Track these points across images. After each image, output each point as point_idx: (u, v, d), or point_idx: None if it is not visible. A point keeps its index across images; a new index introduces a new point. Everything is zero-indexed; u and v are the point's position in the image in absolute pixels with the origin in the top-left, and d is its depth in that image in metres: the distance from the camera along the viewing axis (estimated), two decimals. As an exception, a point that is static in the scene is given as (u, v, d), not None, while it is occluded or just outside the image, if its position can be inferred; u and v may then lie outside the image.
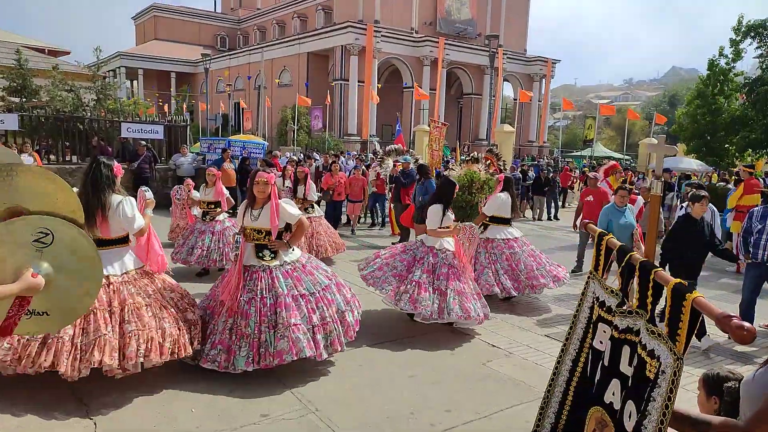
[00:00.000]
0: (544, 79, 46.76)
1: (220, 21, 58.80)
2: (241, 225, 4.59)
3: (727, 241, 9.99)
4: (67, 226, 2.34)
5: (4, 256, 2.18)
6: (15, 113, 14.31)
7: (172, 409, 3.79)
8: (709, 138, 21.17)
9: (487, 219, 6.94)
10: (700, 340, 5.59)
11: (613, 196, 7.50)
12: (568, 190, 19.64)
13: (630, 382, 1.92)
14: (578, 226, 8.89)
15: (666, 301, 1.77)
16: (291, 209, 4.52)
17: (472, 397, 4.21)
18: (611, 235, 2.39)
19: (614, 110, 38.61)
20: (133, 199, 4.12)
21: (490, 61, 22.20)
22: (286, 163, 12.19)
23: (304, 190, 8.64)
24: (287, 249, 4.51)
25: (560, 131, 43.88)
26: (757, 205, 6.78)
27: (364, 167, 13.16)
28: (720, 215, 9.96)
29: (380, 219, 13.19)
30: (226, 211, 7.80)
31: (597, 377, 2.17)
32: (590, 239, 7.84)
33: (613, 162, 14.70)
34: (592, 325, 2.31)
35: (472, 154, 9.49)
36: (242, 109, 35.93)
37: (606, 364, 2.10)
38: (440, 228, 5.62)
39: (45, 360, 3.56)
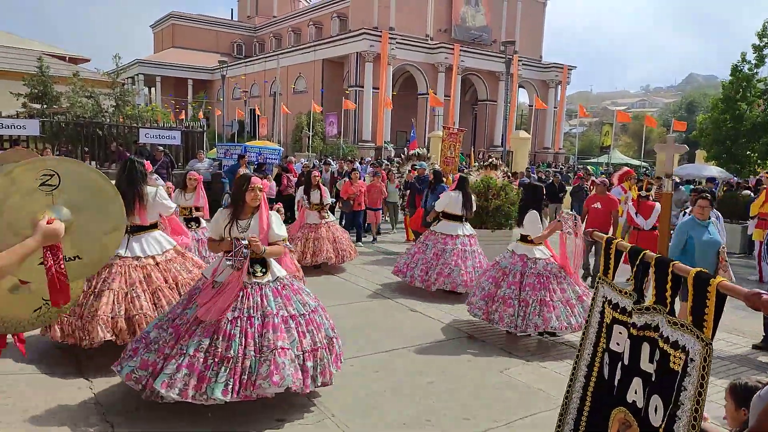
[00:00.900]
0: (559, 86, 46.51)
1: (237, 29, 59.50)
2: (228, 237, 3.87)
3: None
4: (70, 162, 2.21)
5: (18, 206, 2.06)
6: (36, 119, 14.65)
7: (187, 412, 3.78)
8: (730, 144, 20.86)
9: (440, 215, 7.50)
10: None
11: (691, 208, 6.45)
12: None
13: (653, 377, 1.94)
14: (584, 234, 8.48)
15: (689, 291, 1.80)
16: (279, 229, 4.04)
17: (489, 405, 4.16)
18: (620, 239, 2.44)
19: (629, 117, 38.29)
20: (162, 188, 5.06)
21: (506, 67, 22.07)
22: (312, 168, 12.02)
23: (320, 194, 8.62)
24: (260, 251, 3.83)
25: (576, 138, 43.61)
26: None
27: (383, 172, 12.97)
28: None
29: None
30: (207, 219, 7.07)
31: (617, 378, 2.18)
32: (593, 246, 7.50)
33: (627, 168, 14.44)
34: (605, 329, 2.33)
35: (490, 160, 9.49)
36: (258, 115, 36.25)
37: (626, 363, 2.12)
38: (544, 233, 5.65)
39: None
